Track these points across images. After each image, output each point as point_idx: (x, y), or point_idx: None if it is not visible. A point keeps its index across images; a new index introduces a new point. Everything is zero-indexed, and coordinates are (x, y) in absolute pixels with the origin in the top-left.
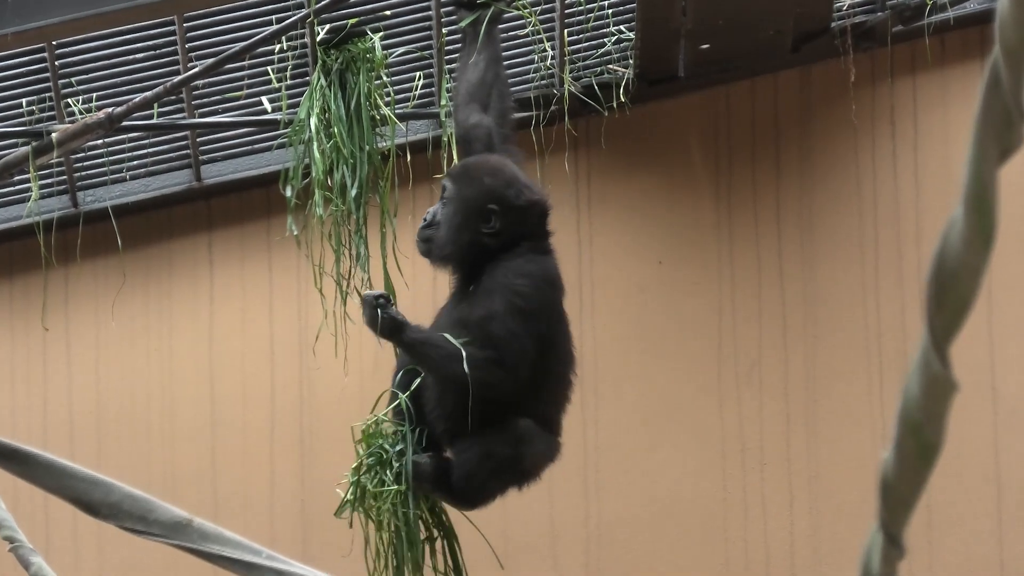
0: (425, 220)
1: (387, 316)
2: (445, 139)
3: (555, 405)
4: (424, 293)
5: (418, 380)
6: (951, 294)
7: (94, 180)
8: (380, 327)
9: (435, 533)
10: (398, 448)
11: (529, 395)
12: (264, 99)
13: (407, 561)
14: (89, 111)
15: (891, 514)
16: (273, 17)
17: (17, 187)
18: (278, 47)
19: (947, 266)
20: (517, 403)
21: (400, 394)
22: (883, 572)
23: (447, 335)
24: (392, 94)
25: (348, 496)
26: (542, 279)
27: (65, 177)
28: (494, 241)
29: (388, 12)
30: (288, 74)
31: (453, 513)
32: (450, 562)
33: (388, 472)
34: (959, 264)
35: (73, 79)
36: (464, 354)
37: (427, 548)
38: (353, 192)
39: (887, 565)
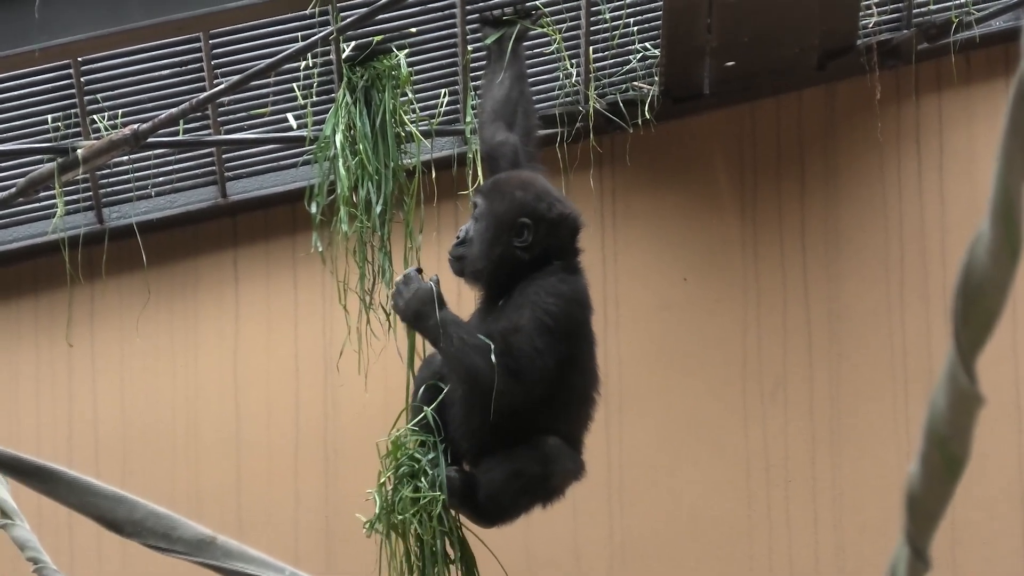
0: (458, 238)
1: (433, 288)
2: (470, 156)
3: (579, 423)
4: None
5: (441, 396)
6: (977, 308)
7: (120, 196)
8: (424, 298)
9: (452, 555)
10: (431, 457)
11: (555, 413)
12: (290, 116)
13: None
14: (115, 127)
15: (917, 527)
16: (299, 34)
17: (43, 203)
18: (304, 64)
19: (973, 280)
20: (543, 421)
21: (426, 408)
22: None
23: (480, 335)
24: (417, 111)
25: (377, 511)
26: (572, 299)
27: (91, 193)
28: (527, 255)
29: (414, 29)
30: (314, 91)
31: (478, 530)
32: None
33: (424, 480)
34: (985, 278)
35: (99, 95)
36: (492, 349)
37: (447, 569)
38: (378, 209)
39: None
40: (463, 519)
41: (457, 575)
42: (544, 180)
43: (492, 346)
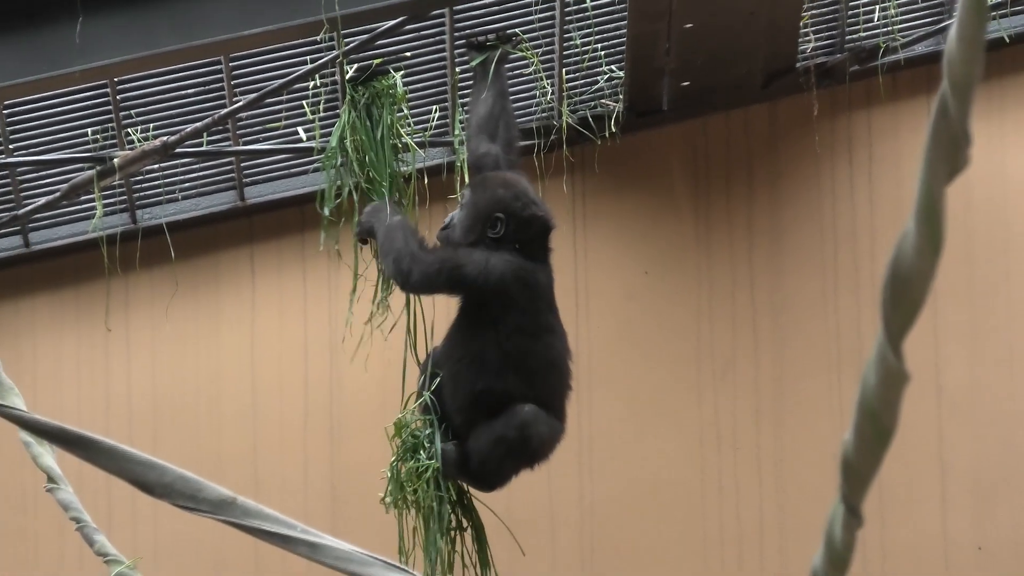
0: (445, 222)
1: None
2: (458, 164)
3: (554, 392)
4: (441, 301)
5: (437, 380)
6: (905, 296)
7: (151, 200)
8: (385, 207)
9: (464, 522)
10: (428, 432)
11: (527, 384)
12: (300, 129)
13: (437, 538)
14: (147, 139)
15: (851, 489)
16: (308, 57)
17: (83, 206)
18: (312, 84)
19: (901, 272)
20: (519, 392)
21: (424, 392)
22: (844, 538)
23: (411, 233)
24: (412, 125)
25: (389, 487)
26: (512, 271)
27: (125, 197)
28: (497, 247)
29: (408, 53)
30: (321, 107)
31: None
32: (475, 547)
33: (422, 452)
34: (911, 270)
35: (132, 111)
36: (404, 251)
37: (458, 536)
38: None
39: (847, 532)
40: (471, 489)
41: (465, 540)
42: (526, 183)
43: (408, 249)
